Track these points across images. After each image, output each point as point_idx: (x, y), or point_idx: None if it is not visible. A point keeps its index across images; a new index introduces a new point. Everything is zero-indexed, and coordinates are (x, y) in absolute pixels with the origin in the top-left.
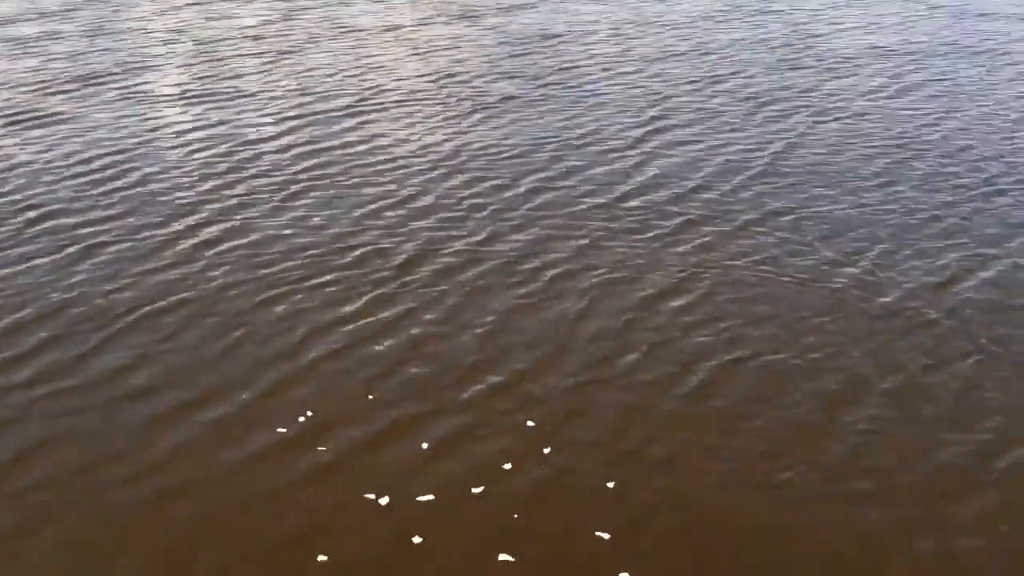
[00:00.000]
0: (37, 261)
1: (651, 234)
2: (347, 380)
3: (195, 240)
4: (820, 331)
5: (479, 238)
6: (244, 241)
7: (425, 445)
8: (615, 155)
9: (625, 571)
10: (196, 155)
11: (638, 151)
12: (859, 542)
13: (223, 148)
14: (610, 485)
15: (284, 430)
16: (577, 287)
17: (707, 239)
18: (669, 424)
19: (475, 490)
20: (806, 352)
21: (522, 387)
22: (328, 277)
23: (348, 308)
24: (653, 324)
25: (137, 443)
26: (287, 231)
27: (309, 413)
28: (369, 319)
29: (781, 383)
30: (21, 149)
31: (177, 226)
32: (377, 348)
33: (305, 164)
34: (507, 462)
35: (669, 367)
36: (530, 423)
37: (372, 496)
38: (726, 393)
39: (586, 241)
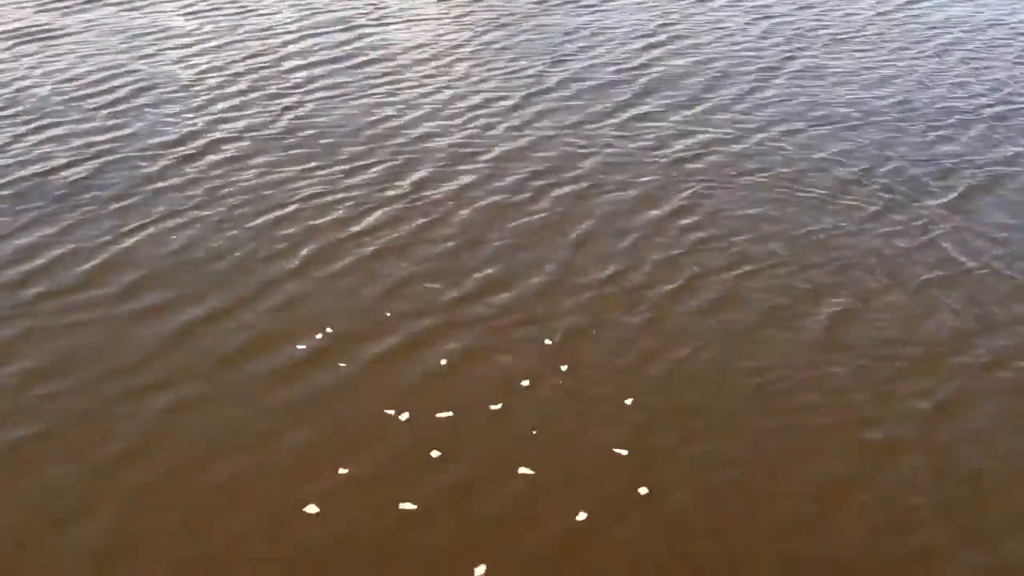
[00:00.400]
0: (51, 178)
1: (662, 151)
2: (363, 296)
3: (205, 159)
4: (826, 247)
5: (490, 156)
6: (255, 161)
7: (444, 361)
8: (626, 73)
9: (642, 485)
10: (205, 72)
11: (647, 72)
12: (855, 456)
13: (231, 61)
14: (627, 402)
15: (303, 347)
16: (588, 206)
17: (716, 158)
18: (679, 338)
19: (493, 407)
20: (811, 268)
21: (536, 304)
22: (339, 195)
23: (359, 226)
24: (662, 242)
25: (151, 358)
26: (297, 150)
27: (329, 329)
28: (381, 237)
29: (787, 299)
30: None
31: (185, 144)
32: (391, 265)
33: (314, 82)
34: (524, 378)
35: (678, 283)
36: (547, 341)
37: (391, 411)
38: (734, 308)
39: (598, 160)
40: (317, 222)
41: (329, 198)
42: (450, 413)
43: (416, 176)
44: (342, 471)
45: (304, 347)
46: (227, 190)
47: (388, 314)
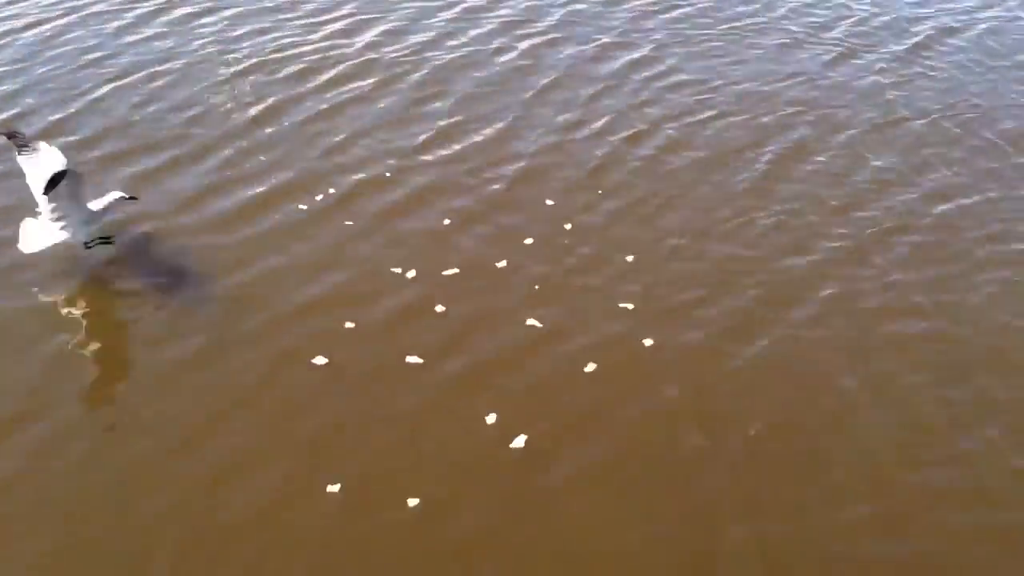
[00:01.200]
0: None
1: (626, 7)
2: (320, 149)
3: (172, 13)
4: (779, 97)
5: (455, 10)
6: (218, 16)
7: (447, 221)
8: None
9: (648, 337)
10: None
11: None
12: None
13: None
14: (629, 259)
15: (303, 207)
16: (552, 59)
17: (684, 10)
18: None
19: (499, 264)
20: (760, 117)
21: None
22: (301, 49)
23: (318, 81)
24: (625, 91)
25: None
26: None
27: (331, 190)
28: (342, 92)
29: (741, 142)
30: None
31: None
32: (351, 116)
33: None
34: (528, 237)
35: (637, 128)
36: (549, 202)
37: (399, 270)
38: (690, 148)
39: (562, 13)
40: (278, 75)
41: (291, 52)
42: (456, 271)
43: (370, 34)
44: (348, 324)
45: (303, 207)
46: (192, 45)
47: (388, 175)
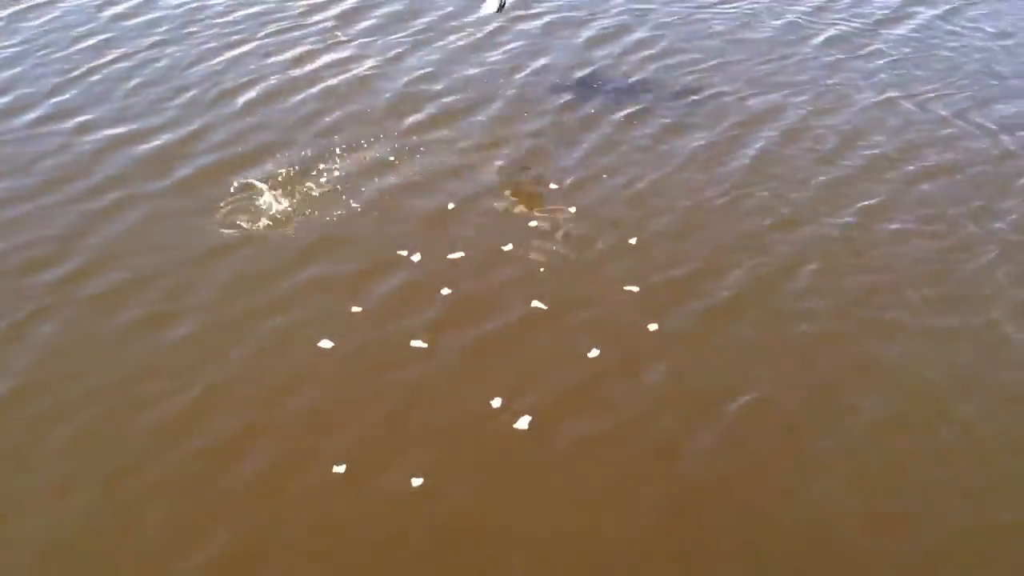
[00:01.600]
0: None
1: None
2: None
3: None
4: (771, 78)
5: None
6: None
7: (451, 205)
8: None
9: (653, 323)
10: None
11: None
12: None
13: None
14: (632, 241)
15: (312, 185)
16: (547, 42)
17: None
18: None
19: (504, 248)
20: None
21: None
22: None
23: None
24: (621, 71)
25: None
26: None
27: (336, 172)
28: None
29: (726, 124)
30: None
31: None
32: (350, 98)
33: None
34: (535, 220)
35: (632, 108)
36: (553, 186)
37: (404, 252)
38: (683, 129)
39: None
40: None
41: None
42: (461, 254)
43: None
44: (355, 309)
45: (322, 183)
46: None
47: (392, 158)
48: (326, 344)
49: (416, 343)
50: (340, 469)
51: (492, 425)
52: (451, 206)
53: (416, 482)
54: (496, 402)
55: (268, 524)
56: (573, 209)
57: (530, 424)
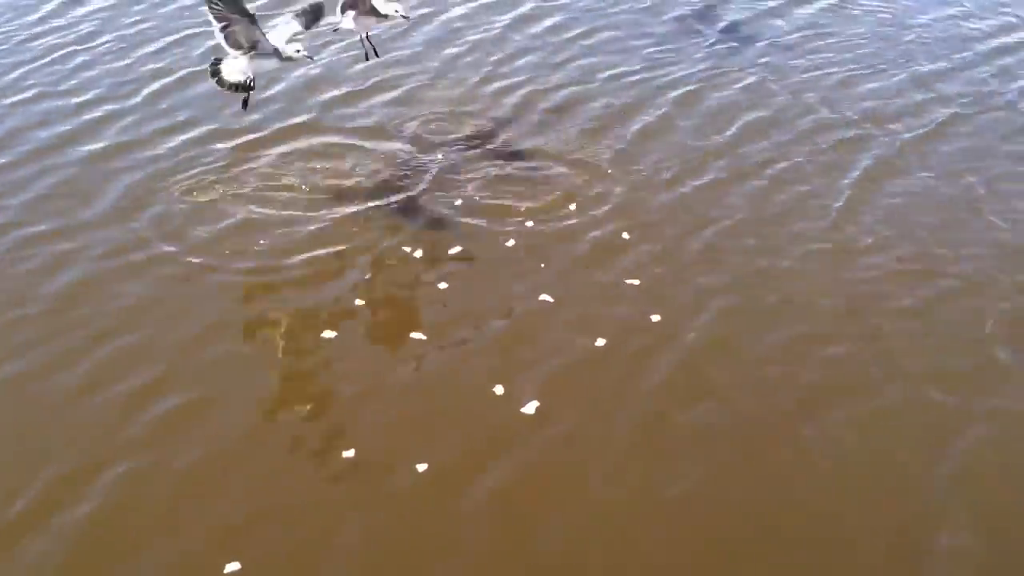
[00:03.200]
0: None
1: None
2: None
3: None
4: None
5: None
6: None
7: (458, 202)
8: None
9: (655, 313)
10: None
11: None
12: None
13: None
14: (625, 236)
15: (305, 187)
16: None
17: None
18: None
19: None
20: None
21: None
22: None
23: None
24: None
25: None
26: None
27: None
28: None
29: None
30: None
31: None
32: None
33: None
34: (529, 220)
35: (626, 100)
36: (562, 169)
37: (407, 249)
38: (681, 114)
39: None
40: None
41: None
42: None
43: None
44: (359, 302)
45: (305, 187)
46: None
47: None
48: (328, 334)
49: (416, 335)
50: (350, 454)
51: (498, 416)
52: (458, 203)
53: (421, 467)
54: (499, 390)
55: (283, 505)
56: (573, 206)
57: (537, 410)
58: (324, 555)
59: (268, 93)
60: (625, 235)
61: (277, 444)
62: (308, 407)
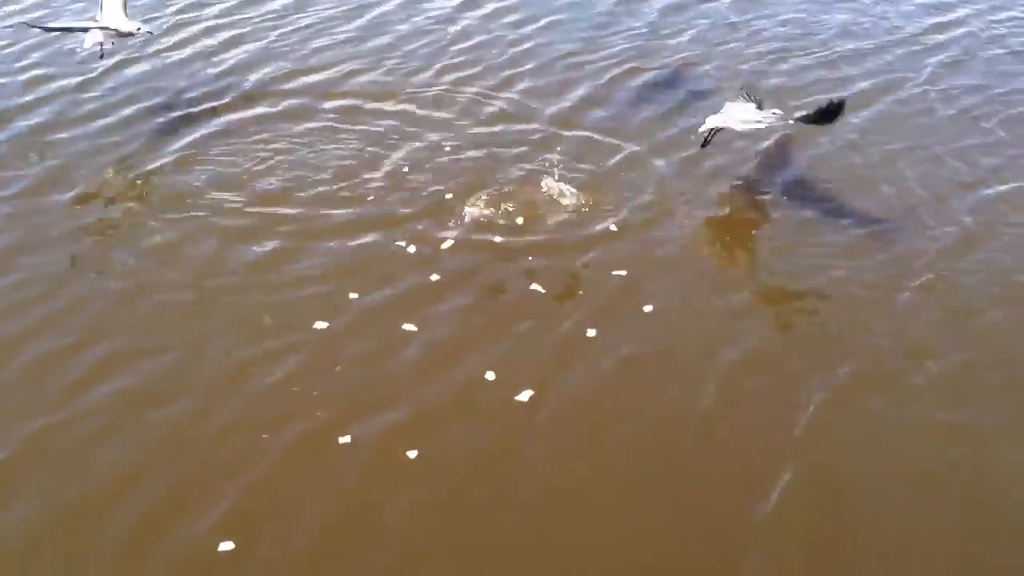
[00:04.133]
0: None
1: None
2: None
3: None
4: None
5: None
6: None
7: (449, 196)
8: None
9: (647, 303)
10: None
11: None
12: None
13: None
14: (612, 228)
15: (325, 189)
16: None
17: None
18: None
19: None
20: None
21: None
22: None
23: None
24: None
25: None
26: None
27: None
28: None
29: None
30: None
31: None
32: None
33: None
34: (519, 217)
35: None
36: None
37: (402, 243)
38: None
39: None
40: None
41: None
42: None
43: None
44: (352, 296)
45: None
46: None
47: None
48: (320, 325)
49: (407, 327)
50: (346, 439)
51: (488, 403)
52: (449, 196)
53: (412, 454)
54: (490, 376)
55: (281, 484)
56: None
57: (530, 399)
58: (322, 549)
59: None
60: (613, 227)
61: (277, 432)
62: (303, 392)
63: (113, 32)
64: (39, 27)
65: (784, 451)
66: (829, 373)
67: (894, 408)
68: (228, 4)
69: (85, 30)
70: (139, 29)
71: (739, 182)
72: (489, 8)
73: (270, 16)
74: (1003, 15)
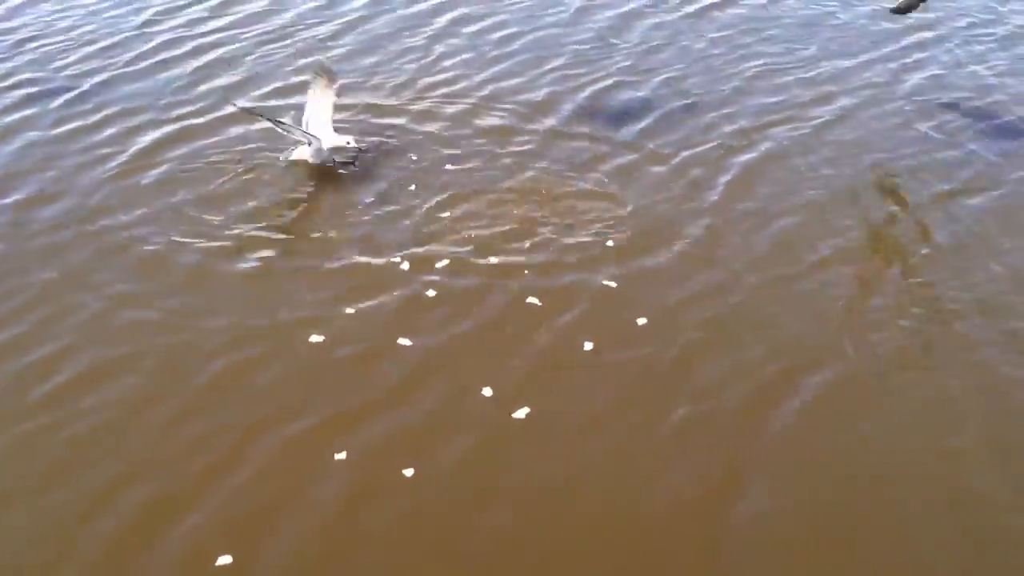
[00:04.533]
0: None
1: None
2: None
3: None
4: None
5: None
6: None
7: (447, 214)
8: None
9: (641, 316)
10: None
11: None
12: None
13: None
14: (609, 244)
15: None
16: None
17: None
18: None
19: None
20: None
21: None
22: None
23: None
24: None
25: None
26: None
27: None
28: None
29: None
30: None
31: None
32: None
33: None
34: (512, 223)
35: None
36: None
37: (397, 259)
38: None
39: None
40: None
41: None
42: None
43: None
44: (348, 311)
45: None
46: None
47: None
48: (316, 337)
49: (403, 341)
50: (341, 456)
51: (484, 418)
52: (446, 215)
53: (408, 472)
54: (487, 392)
55: (281, 504)
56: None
57: (528, 416)
58: (317, 552)
59: None
60: (610, 243)
61: (269, 444)
62: (295, 406)
63: (327, 151)
64: (264, 117)
65: (763, 456)
66: (810, 380)
67: (870, 417)
68: (218, 23)
69: (308, 142)
70: (349, 143)
71: (730, 193)
72: (476, 27)
73: (259, 35)
74: (980, 31)
